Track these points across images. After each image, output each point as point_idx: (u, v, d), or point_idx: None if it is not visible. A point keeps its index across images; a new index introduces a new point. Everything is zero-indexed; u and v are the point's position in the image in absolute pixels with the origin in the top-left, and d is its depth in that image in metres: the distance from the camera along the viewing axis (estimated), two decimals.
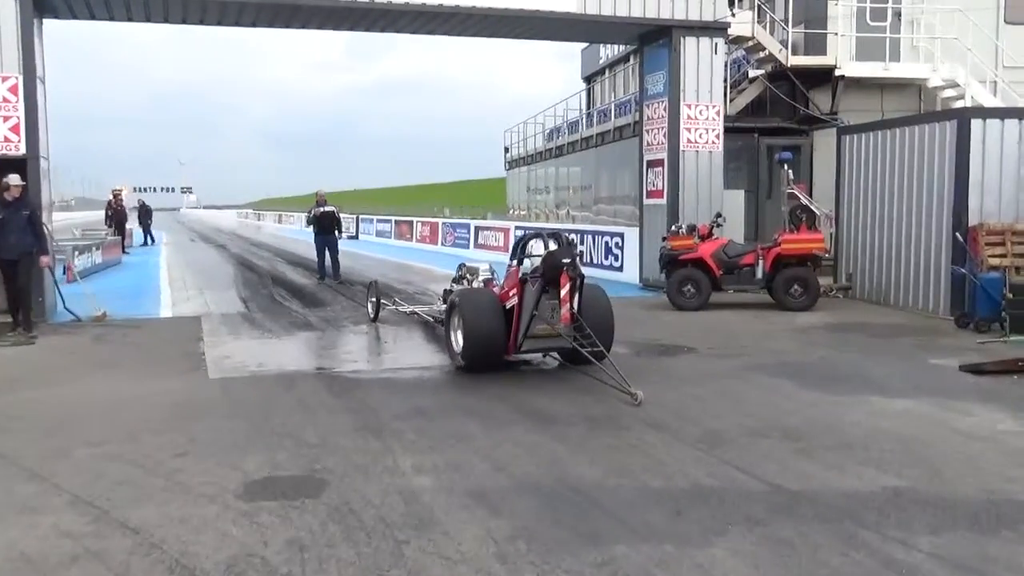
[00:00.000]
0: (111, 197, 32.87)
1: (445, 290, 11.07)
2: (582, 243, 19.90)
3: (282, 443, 6.25)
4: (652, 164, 16.44)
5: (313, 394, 7.89)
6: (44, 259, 11.90)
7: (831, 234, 14.82)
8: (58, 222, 49.29)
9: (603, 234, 19.41)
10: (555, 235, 8.84)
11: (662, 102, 16.06)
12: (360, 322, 12.42)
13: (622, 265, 18.18)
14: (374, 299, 12.50)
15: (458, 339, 8.81)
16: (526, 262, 8.83)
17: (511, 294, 8.64)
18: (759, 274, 13.55)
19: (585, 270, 18.54)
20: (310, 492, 5.20)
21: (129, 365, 9.47)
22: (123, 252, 28.24)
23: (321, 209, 18.39)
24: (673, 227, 14.21)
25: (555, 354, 9.21)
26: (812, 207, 13.63)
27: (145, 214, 36.84)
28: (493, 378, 8.48)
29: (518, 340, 8.45)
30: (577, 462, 5.76)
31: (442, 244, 29.88)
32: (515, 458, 5.85)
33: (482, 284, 10.18)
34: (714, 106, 15.94)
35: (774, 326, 11.83)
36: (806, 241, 13.38)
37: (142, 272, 21.76)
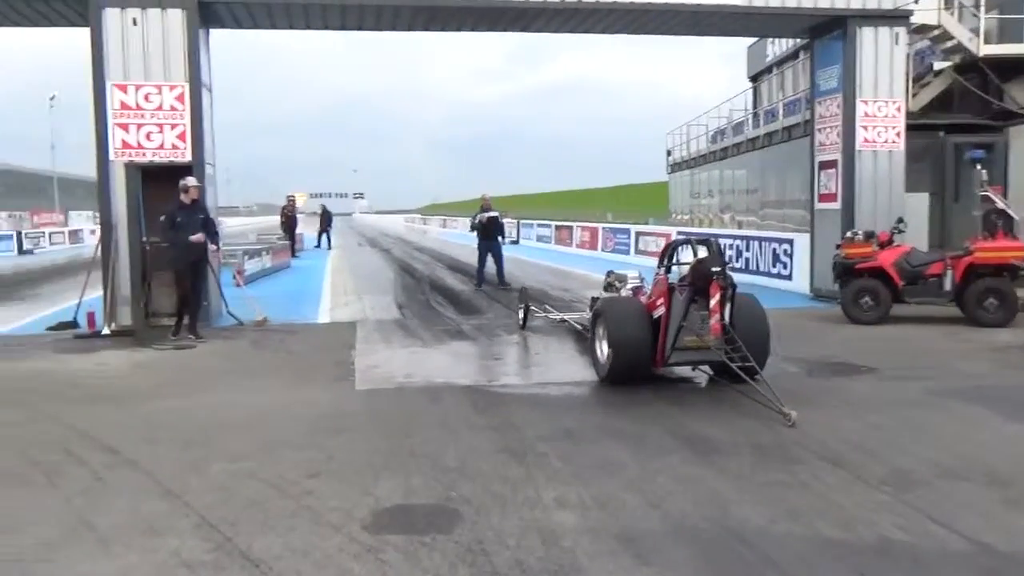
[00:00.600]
0: (285, 203, 34.26)
1: (592, 298, 10.64)
2: (748, 250, 18.95)
3: (419, 465, 5.87)
4: (824, 165, 15.33)
5: (457, 410, 7.51)
6: (212, 247, 12.31)
7: None
8: (237, 227, 51.67)
9: (770, 240, 18.33)
10: (705, 241, 8.29)
11: (835, 99, 14.95)
12: (513, 331, 12.04)
13: (791, 273, 17.10)
14: (523, 306, 12.23)
15: (603, 349, 8.44)
16: (674, 270, 8.34)
17: (658, 303, 8.15)
18: (947, 285, 12.30)
19: (751, 278, 17.69)
20: (442, 526, 4.77)
21: (281, 372, 9.42)
22: (292, 256, 29.15)
23: (486, 215, 18.23)
24: (849, 233, 13.11)
25: (707, 368, 8.59)
26: (1009, 211, 12.25)
27: (326, 219, 37.95)
28: (645, 397, 7.89)
29: (665, 352, 7.93)
30: (741, 501, 5.10)
31: (602, 250, 29.32)
32: (670, 494, 5.25)
33: (631, 292, 9.72)
34: (894, 102, 14.69)
35: (966, 344, 10.64)
36: (1004, 249, 12.03)
37: (307, 276, 22.24)
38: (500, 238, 18.44)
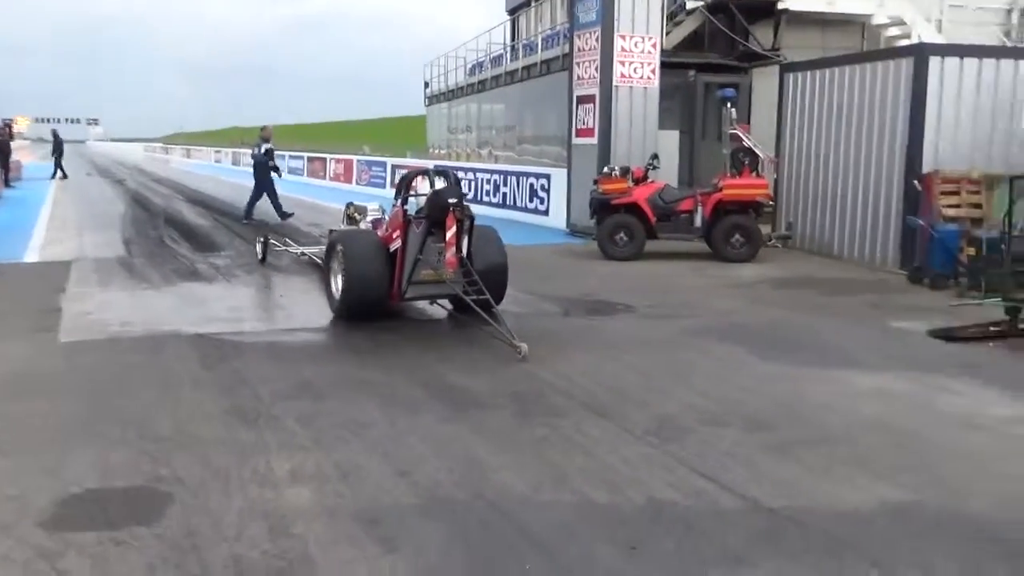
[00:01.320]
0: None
1: (331, 230, 10.11)
2: (505, 185, 18.66)
3: (125, 435, 4.89)
4: (582, 100, 15.17)
5: (180, 363, 6.50)
6: None
7: (774, 180, 13.77)
8: None
9: (528, 175, 18.11)
10: (442, 172, 8.26)
11: (595, 32, 14.73)
12: (254, 270, 10.97)
13: (548, 209, 16.97)
14: (262, 239, 11.53)
15: (338, 283, 8.01)
16: (411, 201, 8.06)
17: (395, 236, 7.80)
18: (698, 222, 12.48)
19: (509, 214, 17.39)
20: (144, 515, 3.89)
21: None
22: (6, 186, 26.01)
23: (262, 146, 17.16)
24: (605, 169, 12.99)
25: (446, 303, 8.30)
26: (756, 150, 12.55)
27: (58, 146, 34.02)
28: (394, 341, 7.28)
29: (402, 286, 7.66)
30: (501, 464, 4.56)
31: (357, 183, 28.22)
32: (422, 458, 4.62)
33: (370, 224, 9.28)
34: (650, 38, 14.68)
35: (715, 280, 10.79)
36: (749, 187, 12.33)
37: (20, 209, 19.65)
38: (274, 173, 17.19)
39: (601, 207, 12.58)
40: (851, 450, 4.85)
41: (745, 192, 12.32)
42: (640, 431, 5.08)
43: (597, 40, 14.62)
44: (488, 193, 19.41)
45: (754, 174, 12.55)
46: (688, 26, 18.07)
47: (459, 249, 7.47)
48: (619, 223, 12.43)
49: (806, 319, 8.44)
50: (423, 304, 8.45)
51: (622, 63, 14.49)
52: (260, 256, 11.41)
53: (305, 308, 8.75)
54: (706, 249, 12.58)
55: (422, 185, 8.22)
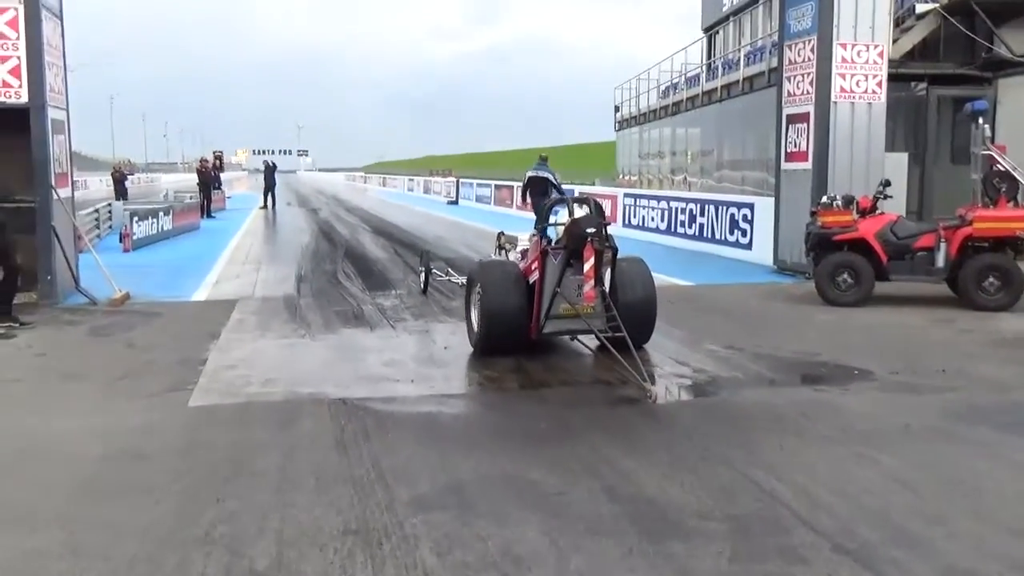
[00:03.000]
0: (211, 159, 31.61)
1: (479, 262, 9.45)
2: (702, 215, 16.96)
3: (207, 567, 3.70)
4: (794, 119, 13.30)
5: (312, 444, 5.34)
6: None
7: None
8: (170, 184, 48.71)
9: (728, 204, 16.31)
10: (583, 200, 7.86)
11: (809, 41, 12.88)
12: (420, 315, 9.87)
13: (751, 242, 15.14)
14: (423, 269, 11.54)
15: (475, 318, 7.75)
16: (550, 231, 7.60)
17: (533, 267, 7.45)
18: (940, 261, 10.37)
19: (706, 247, 15.73)
20: None
21: (100, 378, 7.12)
22: (207, 216, 26.80)
23: (529, 174, 16.77)
24: (825, 199, 11.05)
25: (591, 339, 7.77)
26: (1015, 174, 10.33)
27: (270, 175, 34.98)
28: (572, 424, 5.78)
29: (540, 321, 7.28)
30: None
31: None
32: None
33: (519, 255, 8.59)
34: (877, 46, 12.67)
35: (971, 335, 8.73)
36: (1007, 219, 10.12)
37: (211, 240, 19.74)
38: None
39: (820, 243, 10.71)
40: None
41: (1002, 225, 10.13)
42: None
43: (813, 50, 12.76)
44: (683, 224, 17.78)
45: (1011, 203, 10.35)
46: (919, 32, 15.76)
47: (599, 282, 7.05)
48: (842, 262, 10.51)
49: None
50: (590, 351, 7.77)
51: (842, 76, 12.58)
52: (422, 286, 11.32)
53: (467, 364, 7.52)
54: (949, 293, 10.48)
55: (561, 214, 7.74)
